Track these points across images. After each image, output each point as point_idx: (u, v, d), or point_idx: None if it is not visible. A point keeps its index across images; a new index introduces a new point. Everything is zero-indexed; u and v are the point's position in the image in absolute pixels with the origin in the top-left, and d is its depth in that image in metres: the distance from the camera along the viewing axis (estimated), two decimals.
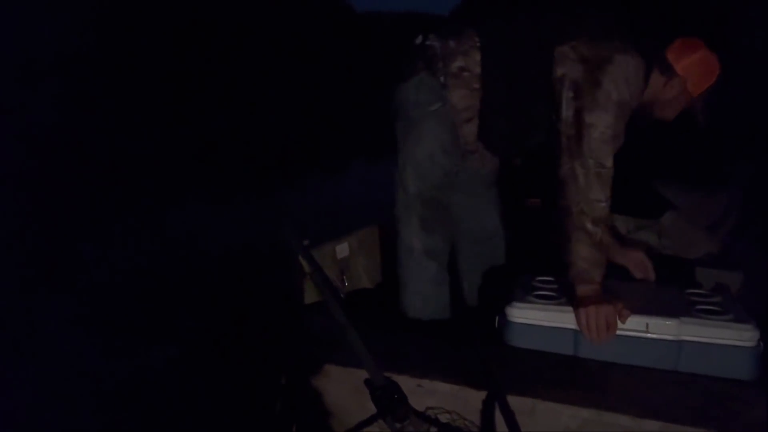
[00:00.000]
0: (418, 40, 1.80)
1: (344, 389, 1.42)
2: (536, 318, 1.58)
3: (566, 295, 1.62)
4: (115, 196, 6.35)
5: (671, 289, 1.70)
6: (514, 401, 1.26)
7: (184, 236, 4.95)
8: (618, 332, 1.51)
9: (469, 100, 1.73)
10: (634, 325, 1.51)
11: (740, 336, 1.44)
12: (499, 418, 1.26)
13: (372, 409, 1.23)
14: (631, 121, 1.69)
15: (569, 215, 1.58)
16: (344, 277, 2.13)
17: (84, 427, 2.38)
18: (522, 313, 1.59)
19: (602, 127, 1.57)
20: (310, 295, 1.76)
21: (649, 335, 1.50)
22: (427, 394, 1.34)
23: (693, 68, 1.66)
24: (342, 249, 2.15)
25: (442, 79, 1.72)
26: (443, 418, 1.31)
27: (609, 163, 1.58)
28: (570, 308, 1.56)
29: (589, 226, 1.56)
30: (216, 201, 6.40)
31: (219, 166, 8.05)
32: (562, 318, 1.56)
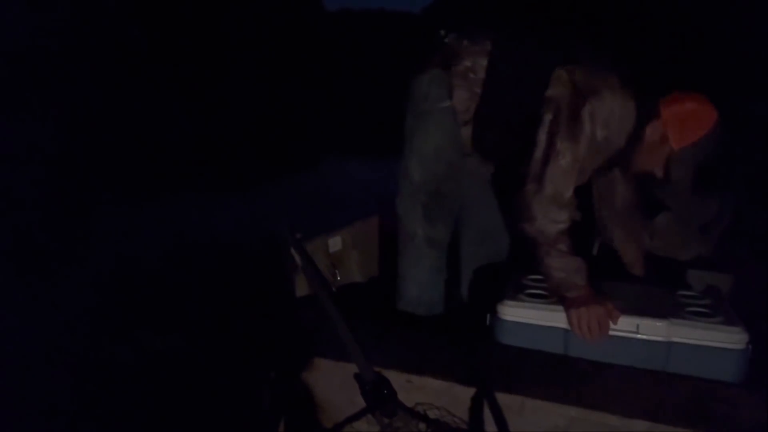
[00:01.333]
0: (440, 35, 1.81)
1: (334, 383, 1.42)
2: (527, 316, 1.58)
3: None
4: (110, 190, 6.33)
5: (662, 291, 1.70)
6: (503, 398, 1.26)
7: (174, 229, 4.93)
8: (609, 332, 1.52)
9: (468, 103, 1.75)
10: (624, 326, 1.51)
11: (729, 338, 1.45)
12: (488, 415, 1.26)
13: (361, 403, 1.23)
14: (615, 165, 1.69)
15: (529, 234, 1.60)
16: (336, 271, 2.13)
17: (75, 412, 2.38)
18: (513, 312, 1.59)
19: (569, 158, 1.57)
20: (302, 289, 1.76)
21: (639, 336, 1.50)
22: (416, 389, 1.34)
23: (678, 117, 1.57)
24: (335, 243, 2.15)
25: (450, 77, 1.74)
26: (432, 414, 1.31)
27: (568, 193, 1.58)
28: (561, 307, 1.56)
29: (548, 242, 1.58)
30: (208, 193, 6.38)
31: (210, 158, 8.02)
32: (553, 317, 1.56)
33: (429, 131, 1.77)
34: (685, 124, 1.56)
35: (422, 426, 1.26)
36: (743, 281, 2.04)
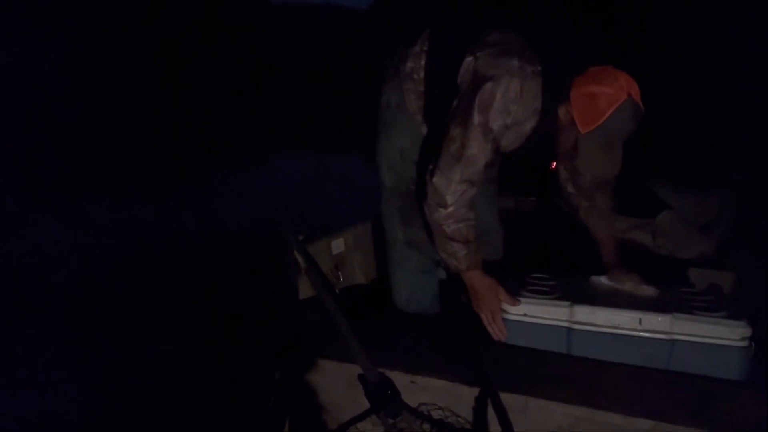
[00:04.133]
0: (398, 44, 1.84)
1: (338, 384, 1.42)
2: (529, 313, 1.59)
3: (560, 292, 1.62)
4: (112, 188, 6.34)
5: (664, 288, 1.70)
6: (506, 398, 1.26)
7: (179, 230, 4.93)
8: (612, 329, 1.52)
9: (418, 103, 1.76)
10: (627, 321, 1.51)
11: (732, 333, 1.45)
12: (491, 414, 1.26)
13: (365, 404, 1.23)
14: (544, 144, 1.61)
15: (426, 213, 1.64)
16: (339, 272, 2.14)
17: (78, 418, 2.38)
18: (515, 309, 1.60)
19: (458, 143, 1.56)
20: (305, 291, 1.76)
21: (641, 333, 1.50)
22: (420, 390, 1.34)
23: (581, 100, 1.47)
24: (337, 244, 2.15)
25: (401, 82, 1.77)
26: (436, 414, 1.31)
27: (455, 177, 1.56)
28: (563, 305, 1.57)
29: (434, 222, 1.62)
30: (211, 193, 6.39)
31: (212, 158, 8.05)
32: (555, 314, 1.56)
33: (392, 136, 1.82)
34: (587, 107, 1.46)
35: (426, 426, 1.26)
36: (745, 279, 2.04)
